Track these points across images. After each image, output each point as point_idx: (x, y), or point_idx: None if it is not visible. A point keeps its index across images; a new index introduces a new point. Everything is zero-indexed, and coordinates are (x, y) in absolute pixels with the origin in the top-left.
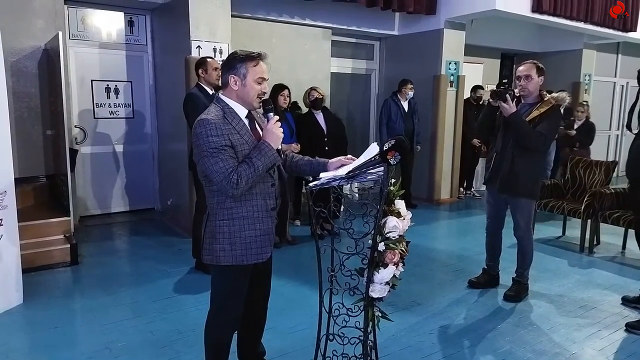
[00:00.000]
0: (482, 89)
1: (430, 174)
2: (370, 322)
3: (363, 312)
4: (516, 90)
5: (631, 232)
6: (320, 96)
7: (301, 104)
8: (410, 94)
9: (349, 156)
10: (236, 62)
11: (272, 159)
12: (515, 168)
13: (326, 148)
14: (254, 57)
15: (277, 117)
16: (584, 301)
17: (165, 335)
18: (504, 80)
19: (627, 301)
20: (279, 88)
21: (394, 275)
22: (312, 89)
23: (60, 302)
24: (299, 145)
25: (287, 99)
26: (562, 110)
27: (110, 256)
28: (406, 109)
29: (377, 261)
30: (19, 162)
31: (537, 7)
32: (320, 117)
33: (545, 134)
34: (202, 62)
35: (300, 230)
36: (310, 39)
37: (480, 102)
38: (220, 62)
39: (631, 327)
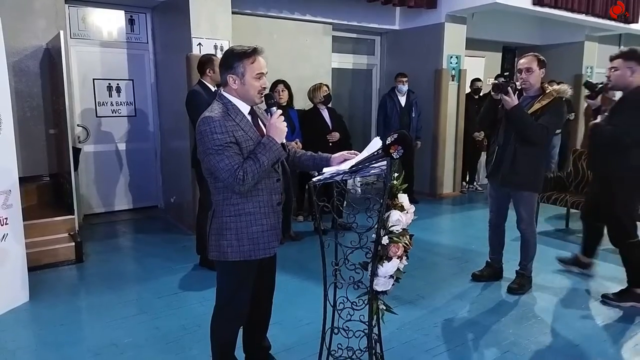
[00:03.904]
0: (480, 80)
1: (433, 168)
2: (375, 316)
3: (367, 305)
4: (518, 83)
5: None
6: (329, 91)
7: (303, 100)
8: (401, 87)
9: (352, 151)
10: (233, 61)
11: (277, 154)
12: (518, 161)
13: (330, 144)
14: (250, 54)
15: (280, 112)
16: (587, 293)
17: (171, 331)
18: (505, 74)
19: (562, 262)
20: (273, 84)
21: (398, 269)
22: (322, 84)
23: (66, 300)
24: (300, 144)
25: (282, 93)
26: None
27: (115, 254)
28: (403, 104)
29: (381, 255)
30: (22, 161)
31: (538, 0)
32: (325, 112)
33: (547, 126)
34: (208, 60)
35: (303, 226)
36: (311, 35)
37: (480, 94)
38: None
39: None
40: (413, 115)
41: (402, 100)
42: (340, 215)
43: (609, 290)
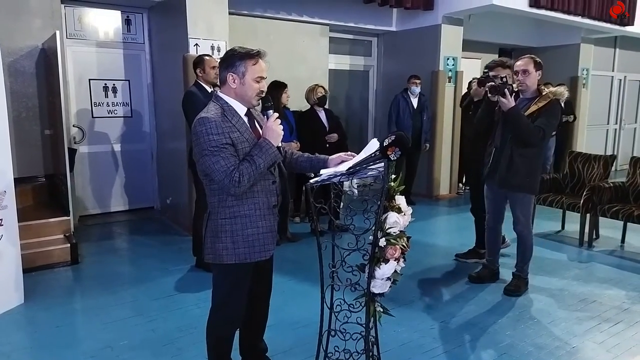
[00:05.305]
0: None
1: (429, 169)
2: (372, 318)
3: (364, 307)
4: (514, 85)
5: (631, 226)
6: (326, 93)
7: (299, 101)
8: (414, 88)
9: (349, 152)
10: (235, 59)
11: (272, 157)
12: (515, 163)
13: (327, 145)
14: (253, 55)
15: (276, 115)
16: (583, 295)
17: (166, 334)
18: (484, 71)
19: (458, 256)
20: (280, 86)
21: (395, 271)
22: (317, 85)
23: (61, 302)
24: (299, 144)
25: (287, 96)
26: (562, 104)
27: (111, 255)
28: (415, 106)
29: (378, 257)
30: (17, 162)
31: (534, 2)
32: (322, 114)
33: (544, 128)
34: (199, 61)
35: (299, 227)
36: (308, 36)
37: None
38: (219, 60)
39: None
40: (425, 118)
41: (414, 102)
42: (337, 216)
43: (605, 292)
